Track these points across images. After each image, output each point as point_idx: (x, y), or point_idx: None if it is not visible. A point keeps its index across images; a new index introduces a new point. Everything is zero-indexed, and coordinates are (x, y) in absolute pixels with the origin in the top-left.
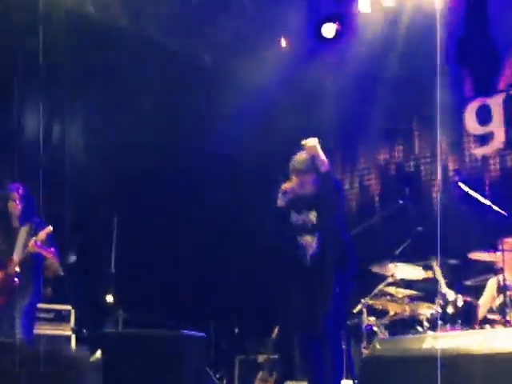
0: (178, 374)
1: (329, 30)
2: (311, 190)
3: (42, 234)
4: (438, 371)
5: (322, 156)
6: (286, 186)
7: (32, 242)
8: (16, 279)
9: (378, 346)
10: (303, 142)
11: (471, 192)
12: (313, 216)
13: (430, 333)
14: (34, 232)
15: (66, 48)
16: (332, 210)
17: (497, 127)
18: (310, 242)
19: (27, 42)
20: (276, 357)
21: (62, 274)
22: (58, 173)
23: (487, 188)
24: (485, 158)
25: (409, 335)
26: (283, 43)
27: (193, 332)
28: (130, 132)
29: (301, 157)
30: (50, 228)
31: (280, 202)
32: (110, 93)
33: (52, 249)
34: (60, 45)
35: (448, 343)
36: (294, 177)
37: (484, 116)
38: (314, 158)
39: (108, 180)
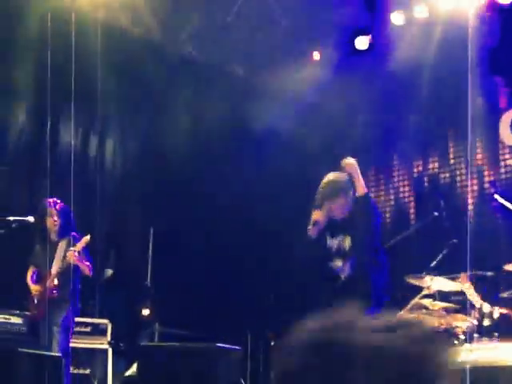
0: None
1: (362, 42)
2: (344, 214)
3: (81, 244)
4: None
5: (360, 177)
6: (316, 216)
7: (71, 252)
8: (54, 291)
9: None
10: (343, 162)
11: (507, 203)
12: (347, 240)
13: (465, 346)
14: (72, 246)
15: (101, 61)
16: (368, 233)
17: None
18: (340, 266)
19: (59, 55)
20: None
21: None
22: (94, 186)
23: None
24: None
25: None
26: (316, 56)
27: (227, 345)
28: (166, 144)
29: (336, 178)
30: (88, 238)
31: (312, 232)
32: (146, 106)
33: (88, 262)
34: (94, 57)
35: (481, 356)
36: (325, 204)
37: None
38: (351, 178)
39: (145, 192)
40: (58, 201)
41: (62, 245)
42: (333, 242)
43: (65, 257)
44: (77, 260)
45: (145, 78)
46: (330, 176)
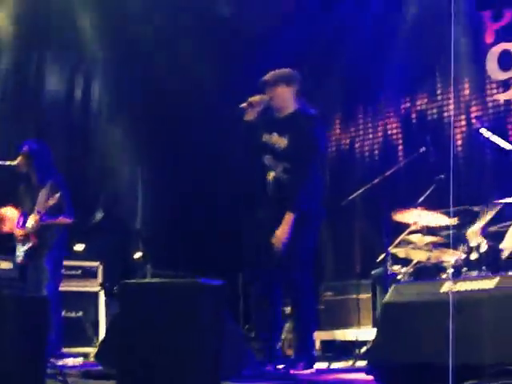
0: (194, 320)
1: None
2: (285, 109)
3: (42, 206)
4: (450, 315)
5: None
6: (253, 98)
7: (33, 222)
8: (33, 239)
9: (395, 292)
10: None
11: (494, 138)
12: (283, 141)
13: (449, 278)
14: (55, 190)
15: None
16: (305, 143)
17: None
18: (275, 165)
19: None
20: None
21: None
22: (81, 130)
23: (510, 133)
24: (507, 103)
25: (427, 281)
26: None
27: (211, 280)
28: (154, 85)
29: (279, 70)
30: (56, 197)
31: (248, 115)
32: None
33: (60, 217)
34: None
35: (465, 287)
36: (266, 90)
37: (506, 61)
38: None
39: (132, 134)
40: (35, 142)
41: (43, 194)
42: (269, 138)
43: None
44: (44, 223)
45: (129, 21)
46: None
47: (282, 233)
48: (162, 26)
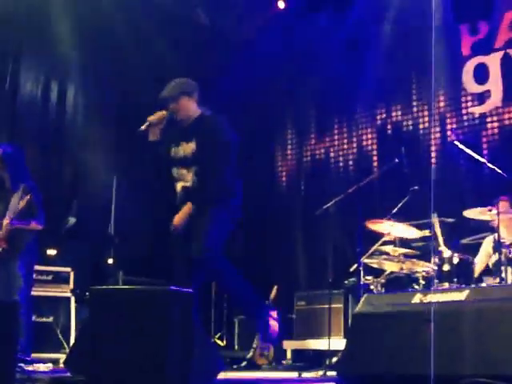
0: (163, 327)
1: None
2: (190, 119)
3: (13, 210)
4: (432, 325)
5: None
6: (151, 118)
7: (4, 226)
8: (3, 245)
9: (366, 302)
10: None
11: (468, 151)
12: (191, 146)
13: (419, 290)
14: (26, 195)
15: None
16: (213, 146)
17: (494, 85)
18: (184, 175)
19: None
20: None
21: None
22: (55, 134)
23: (485, 146)
24: (482, 117)
25: (397, 292)
26: (281, 4)
27: (180, 288)
28: (128, 90)
29: (179, 80)
30: (25, 201)
31: (152, 136)
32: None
33: (32, 222)
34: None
35: (436, 298)
36: (169, 105)
37: (481, 75)
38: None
39: (107, 140)
40: (8, 146)
41: (15, 198)
42: (178, 150)
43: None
44: (14, 227)
45: (106, 23)
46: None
47: (177, 219)
48: (139, 29)
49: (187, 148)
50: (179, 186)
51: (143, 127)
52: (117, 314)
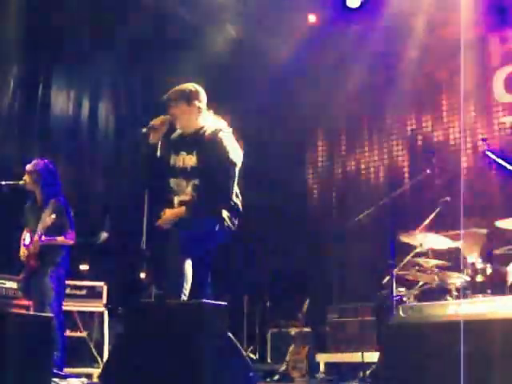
0: (197, 342)
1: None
2: (191, 128)
3: (43, 226)
4: (461, 336)
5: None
6: (154, 121)
7: (35, 242)
8: (33, 260)
9: (401, 313)
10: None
11: (499, 160)
12: (191, 159)
13: (453, 300)
14: (56, 210)
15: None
16: (213, 156)
17: None
18: (183, 187)
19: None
20: (308, 329)
21: None
22: (88, 149)
23: None
24: None
25: (432, 302)
26: (311, 19)
27: (214, 301)
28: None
29: (182, 85)
30: (52, 217)
31: (152, 138)
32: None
33: (60, 237)
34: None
35: (471, 309)
36: (170, 109)
37: None
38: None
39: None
40: (41, 161)
41: (46, 213)
42: (177, 159)
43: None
44: (43, 243)
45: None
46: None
47: (163, 219)
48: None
49: (187, 159)
50: (177, 199)
51: (145, 129)
52: (151, 328)
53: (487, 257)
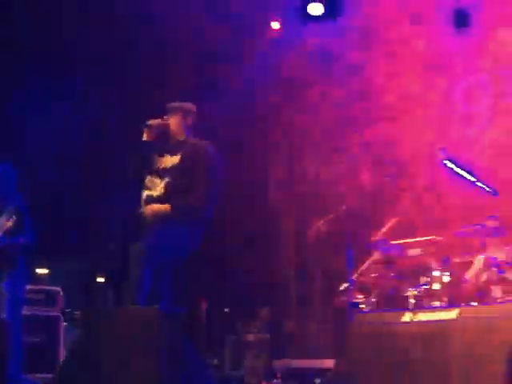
0: (153, 347)
1: (316, 8)
2: (180, 137)
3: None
4: (418, 344)
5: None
6: (152, 121)
7: None
8: None
9: (358, 321)
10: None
11: (457, 170)
12: (175, 159)
13: (410, 308)
14: (15, 214)
15: None
16: (197, 160)
17: (484, 105)
18: (155, 184)
19: None
20: (265, 336)
21: None
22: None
23: (475, 166)
24: (472, 136)
25: (390, 310)
26: (275, 26)
27: (170, 307)
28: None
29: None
30: (11, 221)
31: (146, 136)
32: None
33: (19, 241)
34: None
35: (426, 317)
36: (168, 115)
37: (471, 95)
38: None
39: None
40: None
41: (3, 217)
42: (159, 161)
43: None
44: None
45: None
46: None
47: (151, 208)
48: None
49: (169, 161)
50: (146, 193)
51: (145, 136)
52: (107, 333)
53: (445, 265)
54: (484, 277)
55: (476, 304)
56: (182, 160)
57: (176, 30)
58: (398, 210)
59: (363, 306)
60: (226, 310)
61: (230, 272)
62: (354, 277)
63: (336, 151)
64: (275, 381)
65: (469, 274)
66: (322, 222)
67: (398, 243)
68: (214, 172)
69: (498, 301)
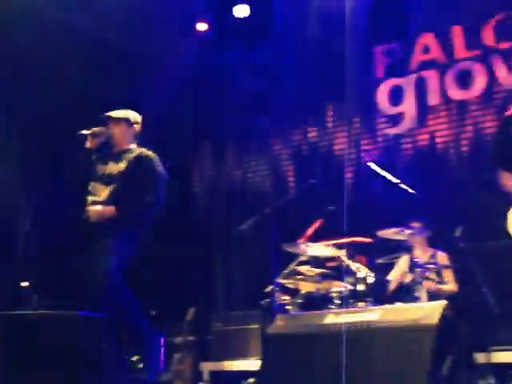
0: (73, 353)
1: (241, 10)
2: (123, 146)
3: None
4: (341, 345)
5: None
6: (96, 128)
7: None
8: None
9: (279, 323)
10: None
11: (381, 171)
12: (120, 166)
13: (331, 310)
14: None
15: None
16: (142, 170)
17: (408, 107)
18: (99, 190)
19: None
20: (192, 338)
21: None
22: None
23: (399, 167)
24: (397, 138)
25: (311, 311)
26: (201, 27)
27: (91, 313)
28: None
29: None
30: None
31: (89, 143)
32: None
33: None
34: None
35: (348, 319)
36: (109, 123)
37: (396, 96)
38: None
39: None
40: None
41: None
42: (102, 168)
43: None
44: None
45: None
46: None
47: (96, 211)
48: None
49: (114, 168)
50: (90, 199)
51: (87, 132)
52: (26, 339)
53: (369, 266)
54: (408, 277)
55: (400, 304)
56: (128, 168)
57: None
58: (324, 211)
59: (289, 307)
60: (152, 312)
61: (155, 274)
62: (280, 278)
63: (262, 152)
64: (202, 383)
65: (393, 275)
66: (247, 223)
67: (323, 244)
68: (158, 180)
69: (421, 301)
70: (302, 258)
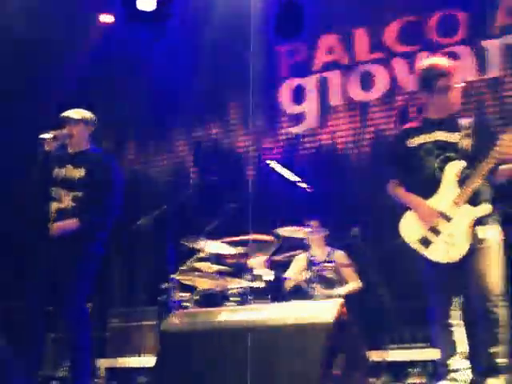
0: None
1: (146, 3)
2: (82, 147)
3: None
4: (248, 343)
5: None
6: (57, 132)
7: None
8: None
9: (174, 320)
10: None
11: (280, 170)
12: (79, 172)
13: (227, 307)
14: None
15: None
16: (102, 174)
17: (310, 107)
18: (62, 196)
19: None
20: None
21: None
22: None
23: (300, 166)
24: (298, 137)
25: (206, 309)
26: (105, 19)
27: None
28: None
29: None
30: None
31: (47, 146)
32: None
33: None
34: None
35: (245, 316)
36: (68, 125)
37: (299, 96)
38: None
39: None
40: None
41: None
42: (60, 172)
43: None
44: None
45: None
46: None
47: (58, 226)
48: None
49: (73, 172)
50: (54, 206)
51: (47, 135)
52: None
53: (268, 263)
54: (305, 275)
55: (296, 302)
56: (88, 174)
57: None
58: (223, 208)
59: (186, 304)
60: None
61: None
62: (176, 275)
63: (165, 147)
64: (96, 380)
65: (290, 272)
66: (146, 217)
67: (222, 241)
68: (117, 185)
69: (317, 299)
70: (202, 255)
